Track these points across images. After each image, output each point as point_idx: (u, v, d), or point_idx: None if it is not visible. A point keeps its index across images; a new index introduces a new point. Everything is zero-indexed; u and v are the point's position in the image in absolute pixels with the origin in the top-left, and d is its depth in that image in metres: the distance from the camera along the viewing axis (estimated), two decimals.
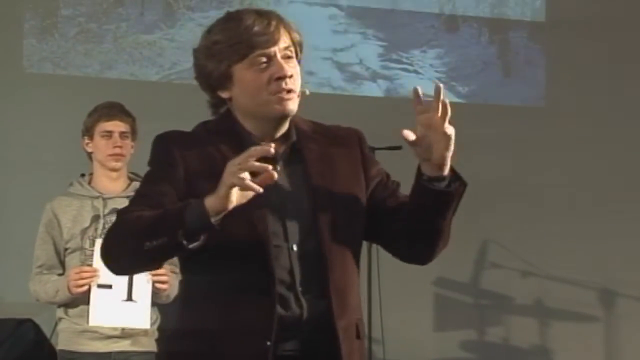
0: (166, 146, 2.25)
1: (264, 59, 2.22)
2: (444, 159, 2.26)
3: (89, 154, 3.90)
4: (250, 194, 2.05)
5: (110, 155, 3.83)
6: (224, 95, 2.28)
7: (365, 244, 2.43)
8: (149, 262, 2.24)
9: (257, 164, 2.02)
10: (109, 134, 3.83)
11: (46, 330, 4.02)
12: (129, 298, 3.68)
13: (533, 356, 5.79)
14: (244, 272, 2.18)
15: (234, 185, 2.03)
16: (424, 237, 2.31)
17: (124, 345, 3.76)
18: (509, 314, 5.76)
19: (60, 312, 3.82)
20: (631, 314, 5.77)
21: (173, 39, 5.39)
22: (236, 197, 2.05)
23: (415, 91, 2.22)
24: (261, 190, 2.03)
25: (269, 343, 2.15)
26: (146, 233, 2.11)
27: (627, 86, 5.97)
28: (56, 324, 3.85)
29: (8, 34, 5.21)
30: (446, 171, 2.28)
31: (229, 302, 2.18)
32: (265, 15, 2.25)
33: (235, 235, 2.14)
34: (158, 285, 3.68)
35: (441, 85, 2.20)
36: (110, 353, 3.75)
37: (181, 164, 2.21)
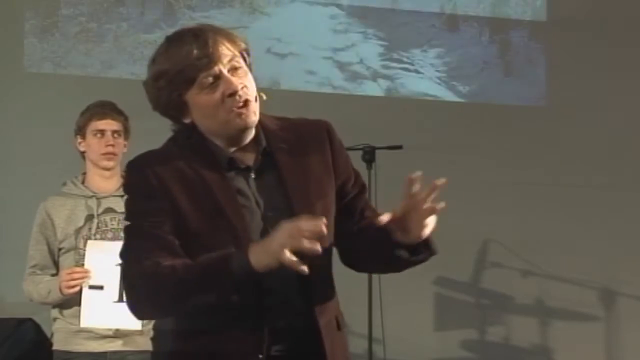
0: (139, 176, 2.26)
1: (211, 79, 2.22)
2: (419, 239, 2.25)
3: (82, 153, 3.90)
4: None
5: (103, 154, 3.83)
6: (186, 121, 2.29)
7: None
8: (189, 311, 2.23)
9: (307, 245, 2.04)
10: (101, 133, 3.83)
11: (46, 329, 4.02)
12: (121, 299, 3.66)
13: (534, 356, 5.78)
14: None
15: (281, 257, 2.05)
16: (375, 268, 2.41)
17: (119, 345, 3.76)
18: (509, 314, 5.76)
19: (55, 312, 3.81)
20: (632, 314, 5.77)
21: None
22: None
23: (411, 180, 2.22)
24: (306, 271, 2.06)
25: (263, 344, 2.19)
26: (192, 291, 2.14)
27: (627, 86, 5.96)
28: (52, 324, 3.85)
29: (8, 34, 5.21)
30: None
31: (217, 310, 2.19)
32: (201, 36, 2.23)
33: (221, 245, 2.16)
34: None
35: (439, 182, 2.23)
36: (105, 353, 3.74)
37: (161, 192, 2.22)
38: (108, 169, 3.86)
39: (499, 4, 5.97)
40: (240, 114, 2.23)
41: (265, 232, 2.20)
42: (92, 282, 3.67)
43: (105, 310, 3.67)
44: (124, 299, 3.59)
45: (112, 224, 3.79)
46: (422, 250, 2.29)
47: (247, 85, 2.25)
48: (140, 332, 3.74)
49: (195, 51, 2.21)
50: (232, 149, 2.28)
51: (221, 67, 2.22)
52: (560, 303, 5.72)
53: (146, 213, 2.23)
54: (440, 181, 2.22)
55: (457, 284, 5.66)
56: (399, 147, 4.68)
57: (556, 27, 5.95)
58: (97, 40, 5.33)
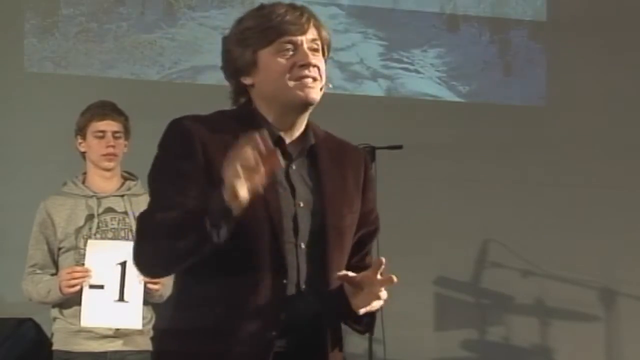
0: (183, 135, 2.22)
1: (290, 46, 2.24)
2: (356, 312, 2.23)
3: (82, 154, 3.89)
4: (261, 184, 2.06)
5: (104, 155, 3.83)
6: (247, 81, 2.28)
7: None
8: (185, 261, 2.20)
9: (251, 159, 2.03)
10: (101, 134, 3.82)
11: (47, 329, 4.02)
12: (121, 298, 3.67)
13: (534, 355, 5.79)
14: (253, 268, 2.19)
15: (233, 189, 2.04)
16: None
17: (120, 345, 3.75)
18: (509, 313, 5.76)
19: (55, 312, 3.81)
20: (632, 314, 5.77)
21: (174, 38, 5.39)
22: (246, 189, 2.05)
23: (379, 264, 2.19)
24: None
25: (273, 338, 2.18)
26: (176, 234, 2.12)
27: (627, 86, 5.96)
28: (52, 324, 3.85)
29: (9, 34, 5.21)
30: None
31: (234, 300, 2.18)
32: (298, 8, 2.29)
33: (249, 226, 2.15)
34: (150, 285, 3.67)
35: (383, 260, 2.18)
36: (105, 353, 3.74)
37: (200, 153, 2.19)
38: (109, 170, 3.86)
39: (499, 4, 5.97)
40: (304, 86, 2.23)
41: (295, 218, 2.21)
42: (92, 282, 3.67)
43: (106, 309, 3.67)
44: (125, 297, 3.65)
45: (113, 224, 3.80)
46: (363, 324, 2.31)
47: (320, 66, 2.27)
48: (140, 332, 3.74)
49: (287, 16, 2.24)
50: (280, 132, 2.26)
51: (304, 39, 2.25)
52: (560, 303, 5.72)
53: (177, 174, 2.19)
54: (389, 278, 2.20)
55: (457, 284, 5.66)
56: (399, 147, 4.68)
57: (556, 27, 5.95)
58: (97, 40, 5.33)
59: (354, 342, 4.96)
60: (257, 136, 2.05)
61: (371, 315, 2.27)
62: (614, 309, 5.84)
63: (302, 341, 2.23)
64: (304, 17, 2.26)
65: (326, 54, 2.33)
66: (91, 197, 3.82)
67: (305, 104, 2.26)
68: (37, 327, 4.13)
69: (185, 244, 2.11)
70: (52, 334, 3.88)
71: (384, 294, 2.21)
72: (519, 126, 5.80)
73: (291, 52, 2.24)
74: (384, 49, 5.78)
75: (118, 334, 3.74)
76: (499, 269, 5.66)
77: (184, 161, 2.19)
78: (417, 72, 5.82)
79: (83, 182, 3.88)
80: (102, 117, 3.83)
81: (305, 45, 2.24)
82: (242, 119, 2.26)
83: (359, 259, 2.38)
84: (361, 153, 2.42)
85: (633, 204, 5.81)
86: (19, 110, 5.10)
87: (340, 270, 2.23)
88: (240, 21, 2.30)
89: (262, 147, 2.04)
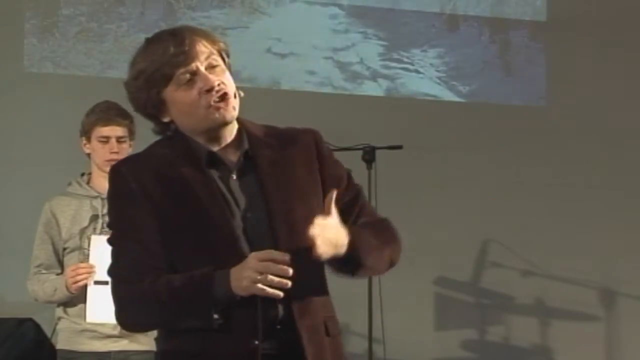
0: (122, 181, 2.29)
1: (188, 76, 2.24)
2: (326, 256, 2.23)
3: (87, 154, 3.89)
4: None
5: (108, 160, 3.82)
6: (166, 119, 2.31)
7: None
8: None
9: (275, 274, 2.14)
10: (105, 140, 3.81)
11: (46, 329, 4.02)
12: None
13: (534, 355, 5.79)
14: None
15: (253, 291, 2.15)
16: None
17: (124, 345, 3.75)
18: (509, 314, 5.76)
19: (59, 312, 3.81)
20: (632, 314, 5.77)
21: None
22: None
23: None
24: (281, 295, 2.15)
25: (256, 342, 2.20)
26: (175, 315, 2.22)
27: (627, 86, 5.96)
28: (56, 324, 3.85)
29: (8, 34, 5.21)
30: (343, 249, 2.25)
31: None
32: (179, 34, 2.27)
33: (205, 242, 2.23)
34: None
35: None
36: (109, 352, 3.74)
37: (140, 195, 2.26)
38: None
39: (499, 4, 5.97)
40: (218, 108, 2.25)
41: (245, 232, 2.23)
42: (97, 278, 3.67)
43: (111, 305, 3.66)
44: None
45: None
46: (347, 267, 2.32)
47: (224, 81, 2.27)
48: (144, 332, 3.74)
49: (172, 48, 2.24)
50: (214, 149, 2.30)
51: (198, 64, 2.25)
52: (560, 303, 5.72)
53: (128, 218, 2.27)
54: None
55: (457, 284, 5.66)
56: (399, 147, 4.67)
57: (556, 27, 5.95)
58: (97, 40, 5.33)
59: (354, 342, 4.97)
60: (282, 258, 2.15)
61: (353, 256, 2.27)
62: (614, 309, 5.84)
63: (282, 344, 2.24)
64: (185, 42, 2.25)
65: (226, 60, 2.33)
66: (96, 197, 3.81)
67: (225, 124, 2.28)
68: (37, 327, 4.13)
69: (184, 324, 2.23)
70: (52, 334, 3.88)
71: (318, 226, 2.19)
72: (519, 126, 5.80)
73: (191, 81, 2.25)
74: (384, 49, 5.78)
75: (122, 333, 3.73)
76: (499, 269, 5.66)
77: (129, 205, 2.27)
78: (417, 72, 5.82)
79: (88, 183, 3.88)
80: (107, 122, 3.81)
81: (201, 69, 2.25)
82: (175, 146, 2.31)
83: (354, 223, 2.37)
84: (307, 133, 2.39)
85: (633, 204, 5.81)
86: (19, 110, 5.10)
87: (303, 265, 2.23)
88: (133, 64, 2.31)
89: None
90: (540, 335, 5.74)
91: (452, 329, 5.65)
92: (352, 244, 2.25)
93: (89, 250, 3.72)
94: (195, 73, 2.24)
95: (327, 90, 5.61)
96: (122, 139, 3.83)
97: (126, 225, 2.28)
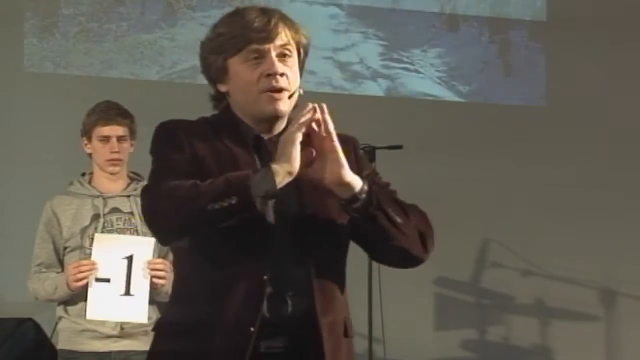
0: (172, 132, 2.26)
1: (257, 55, 2.23)
2: (335, 183, 2.19)
3: (89, 154, 3.90)
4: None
5: (108, 160, 3.82)
6: (222, 88, 2.30)
7: None
8: (208, 225, 2.17)
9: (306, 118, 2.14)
10: (106, 139, 3.81)
11: (46, 329, 4.02)
12: (127, 292, 3.67)
13: (534, 355, 5.79)
14: (235, 267, 2.19)
15: (294, 141, 2.11)
16: (377, 255, 2.37)
17: (124, 345, 3.75)
18: (509, 313, 5.76)
19: (60, 311, 3.81)
20: (632, 314, 5.77)
21: (174, 38, 5.39)
22: (298, 163, 2.11)
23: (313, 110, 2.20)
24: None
25: (252, 329, 2.15)
26: (211, 196, 2.09)
27: (627, 86, 5.96)
28: (56, 324, 3.85)
29: (8, 34, 5.21)
30: (357, 187, 2.21)
31: (216, 296, 2.19)
32: (267, 13, 2.26)
33: (232, 230, 2.14)
34: (155, 280, 3.67)
35: (313, 105, 2.19)
36: (110, 352, 3.74)
37: (188, 149, 2.22)
38: (114, 174, 3.86)
39: (499, 4, 5.97)
40: (271, 99, 2.23)
41: (276, 219, 2.19)
42: (98, 275, 3.67)
43: (112, 303, 3.68)
44: (131, 291, 3.63)
45: (118, 224, 3.80)
46: (365, 204, 2.22)
47: (288, 74, 2.25)
48: (144, 332, 3.73)
49: (255, 23, 2.23)
50: (261, 134, 2.28)
51: (271, 47, 2.24)
52: (560, 303, 5.73)
53: (174, 161, 2.21)
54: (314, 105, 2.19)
55: (457, 284, 5.66)
56: (399, 147, 4.68)
57: (556, 27, 5.95)
58: (97, 40, 5.33)
59: (354, 342, 4.96)
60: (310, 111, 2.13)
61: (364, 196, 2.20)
62: (614, 309, 5.84)
63: (298, 340, 2.20)
64: (271, 22, 2.24)
65: (301, 55, 2.32)
66: (97, 197, 3.82)
67: (274, 117, 2.26)
68: (37, 327, 4.13)
69: (218, 206, 2.09)
70: (52, 334, 3.88)
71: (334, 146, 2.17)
72: (518, 126, 5.80)
73: (257, 60, 2.23)
74: (384, 49, 5.78)
75: (122, 334, 3.74)
76: (499, 269, 5.66)
77: (176, 152, 2.22)
78: (417, 72, 5.82)
79: (89, 182, 3.88)
80: (107, 121, 3.81)
81: (272, 53, 2.23)
82: (222, 123, 2.29)
83: None
84: (349, 140, 2.37)
85: (633, 204, 5.81)
86: (19, 110, 5.10)
87: (328, 262, 2.22)
88: (215, 27, 2.30)
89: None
90: (540, 335, 5.74)
91: (452, 329, 5.65)
92: (369, 191, 2.21)
93: (90, 249, 3.71)
94: (264, 55, 2.23)
95: (327, 90, 5.61)
96: (123, 138, 3.84)
97: (169, 164, 2.21)
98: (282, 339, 2.21)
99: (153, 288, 3.69)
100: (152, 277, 3.67)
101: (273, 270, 2.19)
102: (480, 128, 5.72)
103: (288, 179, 2.12)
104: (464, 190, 5.56)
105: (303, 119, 2.14)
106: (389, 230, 2.25)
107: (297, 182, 2.20)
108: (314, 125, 2.17)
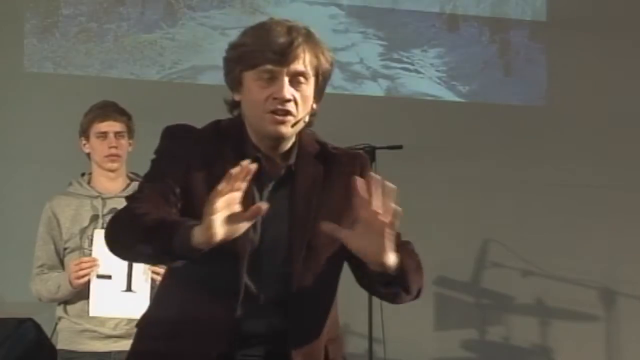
0: (173, 141, 2.28)
1: (269, 76, 2.20)
2: (380, 264, 2.08)
3: (87, 154, 3.90)
4: (243, 227, 2.01)
5: (106, 156, 3.83)
6: (236, 97, 2.29)
7: None
8: (146, 261, 2.29)
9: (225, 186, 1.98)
10: (103, 135, 3.82)
11: (47, 329, 4.02)
12: (129, 288, 3.68)
13: (534, 355, 5.78)
14: (214, 276, 2.19)
15: (211, 218, 1.96)
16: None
17: (124, 345, 3.74)
18: (509, 313, 5.76)
19: (59, 311, 3.82)
20: (632, 314, 5.77)
21: (174, 38, 5.39)
22: (225, 230, 1.98)
23: (355, 182, 2.07)
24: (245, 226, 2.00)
25: (225, 345, 2.19)
26: (144, 239, 2.10)
27: (627, 86, 5.97)
28: (56, 324, 3.85)
29: (8, 34, 5.21)
30: (391, 262, 2.09)
31: (195, 303, 2.22)
32: (292, 33, 2.22)
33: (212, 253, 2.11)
34: (154, 276, 3.68)
35: (377, 177, 2.06)
36: (110, 353, 3.74)
37: (184, 161, 2.23)
38: (113, 171, 3.86)
39: (499, 4, 5.97)
40: (274, 120, 2.21)
41: (262, 241, 2.20)
42: (100, 272, 3.68)
43: (114, 299, 3.69)
44: (132, 287, 3.65)
45: None
46: (394, 281, 2.13)
47: (298, 100, 2.22)
48: None
49: (276, 43, 2.19)
50: (265, 151, 2.26)
51: (285, 70, 2.21)
52: (560, 303, 5.73)
53: (164, 174, 2.23)
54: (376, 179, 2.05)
55: (457, 284, 5.66)
56: (399, 147, 4.68)
57: (556, 27, 5.95)
58: (97, 40, 5.33)
59: (354, 342, 4.97)
60: (242, 171, 1.99)
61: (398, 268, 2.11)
62: (614, 309, 5.84)
63: (274, 356, 2.22)
64: (293, 45, 2.20)
65: (320, 81, 2.29)
66: (96, 197, 3.82)
67: (275, 138, 2.25)
68: (37, 327, 4.12)
69: (147, 251, 2.11)
70: (52, 334, 3.88)
71: (391, 208, 2.04)
72: (519, 126, 5.80)
73: (269, 81, 2.21)
74: (384, 49, 5.78)
75: (123, 334, 3.74)
76: (499, 269, 5.66)
77: (170, 164, 2.24)
78: (417, 72, 5.82)
79: (88, 183, 3.88)
80: (104, 118, 3.83)
81: (285, 77, 2.20)
82: (229, 137, 2.27)
83: None
84: (356, 157, 2.35)
85: (633, 204, 5.81)
86: (19, 110, 5.10)
87: (315, 287, 2.20)
88: (243, 33, 2.28)
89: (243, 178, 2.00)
90: (540, 335, 5.74)
91: (452, 329, 5.65)
92: (401, 267, 2.12)
93: (89, 250, 3.72)
94: (276, 76, 2.20)
95: (327, 90, 5.58)
96: (121, 134, 3.84)
97: (160, 178, 2.23)
98: (259, 348, 2.22)
99: (152, 288, 3.70)
100: (151, 273, 3.68)
101: (254, 287, 2.20)
102: (480, 128, 5.72)
103: (208, 246, 2.00)
104: (463, 190, 5.57)
105: (220, 187, 1.98)
106: (399, 295, 2.21)
107: (293, 203, 2.22)
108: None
